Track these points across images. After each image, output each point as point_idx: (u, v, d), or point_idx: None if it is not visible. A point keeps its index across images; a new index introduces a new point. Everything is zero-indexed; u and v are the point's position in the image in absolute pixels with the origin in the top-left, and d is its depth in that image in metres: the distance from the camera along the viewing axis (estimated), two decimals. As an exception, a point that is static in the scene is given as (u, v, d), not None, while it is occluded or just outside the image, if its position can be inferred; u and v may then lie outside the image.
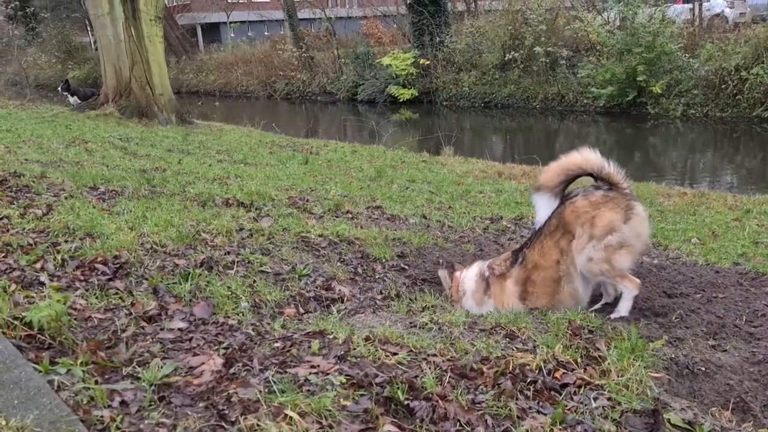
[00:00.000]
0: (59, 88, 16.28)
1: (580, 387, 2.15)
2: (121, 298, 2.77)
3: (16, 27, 41.79)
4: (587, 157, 3.37)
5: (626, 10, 17.83)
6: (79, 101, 15.24)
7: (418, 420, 1.90)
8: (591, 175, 3.34)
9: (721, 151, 15.19)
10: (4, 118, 11.29)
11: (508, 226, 5.50)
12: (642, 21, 17.16)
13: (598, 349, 2.47)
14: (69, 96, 15.76)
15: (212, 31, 40.52)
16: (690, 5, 20.93)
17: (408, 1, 22.43)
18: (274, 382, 2.02)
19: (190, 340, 2.43)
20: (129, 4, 12.65)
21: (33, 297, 2.58)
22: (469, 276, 3.46)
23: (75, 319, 2.45)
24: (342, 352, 2.27)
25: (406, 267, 3.98)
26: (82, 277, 2.91)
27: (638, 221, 3.13)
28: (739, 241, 5.38)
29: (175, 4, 40.75)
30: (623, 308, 3.21)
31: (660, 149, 15.37)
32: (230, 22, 37.88)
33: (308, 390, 1.99)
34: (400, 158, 10.24)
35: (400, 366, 2.21)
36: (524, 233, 5.31)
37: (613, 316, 3.16)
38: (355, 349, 2.32)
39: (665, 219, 6.34)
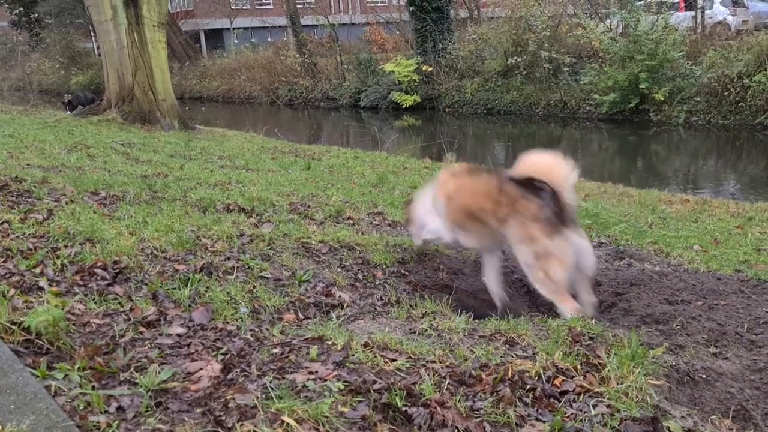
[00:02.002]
0: (64, 101, 16.23)
1: (579, 394, 2.14)
2: (120, 303, 2.76)
3: (20, 33, 42.02)
4: None
5: (629, 18, 17.86)
6: (82, 107, 15.26)
7: (416, 427, 1.89)
8: None
9: (724, 158, 15.17)
10: (8, 123, 11.33)
11: (510, 232, 5.48)
12: (644, 28, 17.18)
13: (598, 356, 2.45)
14: (69, 110, 15.68)
15: (215, 37, 40.69)
16: (692, 13, 20.96)
17: (411, 8, 22.49)
18: (272, 388, 2.01)
19: (189, 345, 2.42)
20: (132, 10, 12.71)
21: (32, 302, 2.58)
22: (421, 202, 3.86)
23: (73, 324, 2.45)
24: (340, 359, 2.26)
25: (407, 273, 3.97)
26: (81, 282, 2.91)
27: None
28: (741, 248, 5.36)
29: (178, 10, 40.96)
30: None
31: (662, 156, 15.36)
32: (233, 28, 38.02)
33: (306, 396, 1.99)
34: (402, 164, 10.25)
35: (398, 372, 2.20)
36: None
37: None
38: (353, 355, 2.31)
39: (667, 226, 6.32)
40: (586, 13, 20.89)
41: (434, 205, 3.65)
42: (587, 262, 3.18)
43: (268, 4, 42.36)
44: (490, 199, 3.25)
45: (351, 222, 5.14)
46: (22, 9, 38.33)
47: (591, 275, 3.27)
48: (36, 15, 38.07)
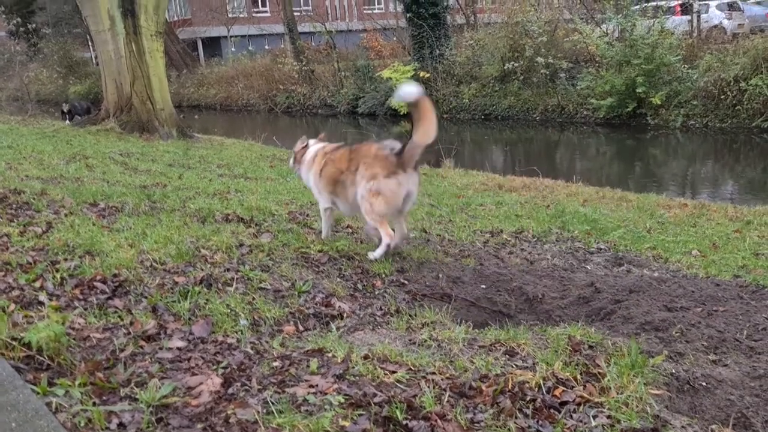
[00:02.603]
0: (63, 110, 16.20)
1: (579, 405, 2.14)
2: (120, 316, 2.77)
3: (18, 43, 42.06)
4: None
5: (625, 22, 17.93)
6: (80, 117, 15.25)
7: (416, 440, 1.89)
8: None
9: (721, 161, 15.20)
10: (6, 134, 11.34)
11: (509, 239, 5.49)
12: (641, 33, 17.25)
13: (598, 366, 2.46)
14: (68, 119, 15.62)
15: (213, 45, 40.79)
16: (688, 17, 21.05)
17: (408, 15, 22.57)
18: (273, 403, 2.02)
19: (189, 359, 2.43)
20: (130, 19, 12.75)
21: (32, 317, 2.58)
22: (310, 152, 4.39)
23: (73, 338, 2.45)
24: (341, 371, 2.27)
25: (406, 282, 3.97)
26: (81, 296, 2.91)
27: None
28: (739, 252, 5.38)
29: (175, 18, 41.06)
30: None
31: (660, 160, 15.38)
32: (231, 36, 38.12)
33: (307, 410, 1.99)
34: (400, 171, 10.24)
35: (398, 385, 2.20)
36: (525, 246, 5.31)
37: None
38: (353, 367, 2.31)
39: (666, 231, 6.33)
40: (583, 18, 20.98)
41: (314, 175, 4.31)
42: (408, 205, 4.05)
43: (265, 11, 42.47)
44: (345, 160, 4.06)
45: (350, 230, 5.15)
46: (19, 19, 38.40)
47: (406, 213, 4.24)
48: (34, 25, 38.18)
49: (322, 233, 4.53)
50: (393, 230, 4.13)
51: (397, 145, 3.88)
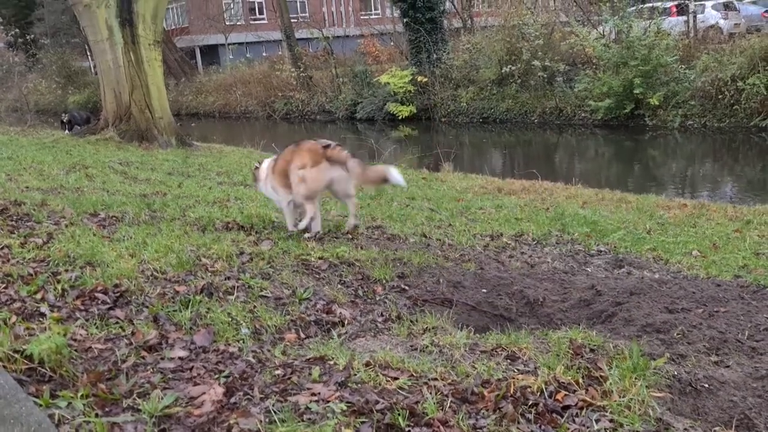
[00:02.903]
0: (62, 119, 16.19)
1: (581, 409, 2.14)
2: (121, 327, 2.77)
3: (17, 54, 42.19)
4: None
5: (621, 24, 18.00)
6: (78, 127, 15.25)
7: (419, 447, 1.89)
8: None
9: (720, 161, 15.23)
10: (5, 144, 11.36)
11: (509, 242, 5.50)
12: (637, 34, 17.30)
13: (600, 369, 2.46)
14: (67, 129, 15.58)
15: (211, 52, 40.90)
16: (684, 17, 21.10)
17: (405, 20, 22.64)
18: (275, 411, 2.02)
19: (191, 369, 2.42)
20: (128, 29, 12.79)
21: (33, 329, 2.58)
22: (262, 168, 5.04)
23: (75, 350, 2.45)
24: (342, 379, 2.27)
25: (407, 287, 3.97)
26: (82, 307, 2.91)
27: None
28: (740, 252, 5.38)
29: (173, 27, 41.19)
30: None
31: (659, 161, 15.41)
32: (228, 44, 38.23)
33: (309, 419, 1.99)
34: (399, 176, 10.26)
35: (400, 391, 2.20)
36: (525, 250, 5.32)
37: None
38: (355, 374, 2.31)
39: (666, 232, 6.34)
40: (579, 21, 21.04)
41: (270, 178, 4.96)
42: (342, 188, 4.80)
43: (263, 18, 42.59)
44: (290, 154, 4.76)
45: (350, 237, 5.15)
46: (18, 30, 38.51)
47: (352, 197, 4.97)
48: (32, 36, 38.30)
49: (288, 226, 5.03)
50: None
51: (330, 142, 4.71)
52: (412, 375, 2.34)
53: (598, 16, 21.70)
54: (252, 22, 42.14)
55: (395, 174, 4.60)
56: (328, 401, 2.08)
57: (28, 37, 38.68)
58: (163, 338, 2.70)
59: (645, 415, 2.11)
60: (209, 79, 33.25)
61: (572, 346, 2.69)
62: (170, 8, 37.81)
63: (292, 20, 30.53)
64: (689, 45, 18.86)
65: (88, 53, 32.88)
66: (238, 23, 40.41)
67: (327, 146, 4.63)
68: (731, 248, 5.56)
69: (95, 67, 20.46)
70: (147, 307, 3.01)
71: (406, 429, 1.94)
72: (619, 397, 2.20)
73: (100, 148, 11.77)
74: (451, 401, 2.14)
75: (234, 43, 38.77)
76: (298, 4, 42.07)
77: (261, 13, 43.06)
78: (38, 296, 2.96)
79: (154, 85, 13.19)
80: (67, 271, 3.32)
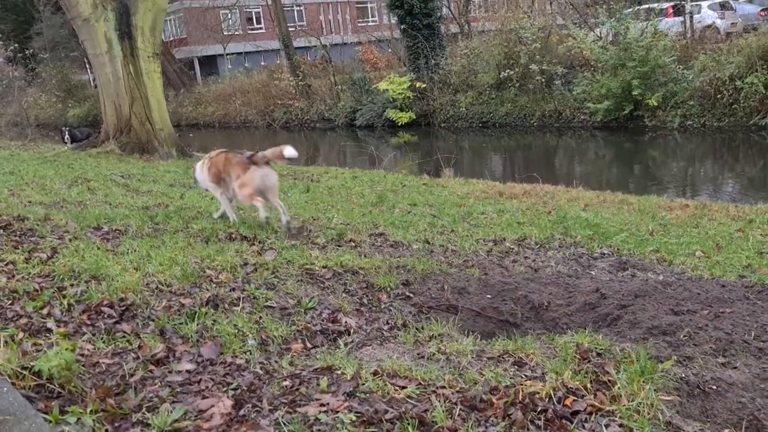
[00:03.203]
0: (64, 133, 16.18)
1: (591, 414, 2.14)
2: (128, 341, 2.77)
3: (16, 68, 42.33)
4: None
5: (618, 26, 18.03)
6: (75, 142, 15.22)
7: (430, 456, 1.89)
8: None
9: (721, 161, 15.23)
10: (7, 159, 11.40)
11: (512, 247, 5.50)
12: (634, 35, 17.33)
13: (608, 373, 2.46)
14: (70, 142, 15.58)
15: (209, 63, 41.04)
16: (681, 18, 21.15)
17: (402, 26, 22.69)
18: (285, 423, 2.02)
19: (199, 382, 2.43)
20: (127, 42, 12.85)
21: (41, 344, 2.59)
22: (197, 172, 5.92)
23: (83, 365, 2.45)
24: (351, 388, 2.27)
25: (412, 295, 3.98)
26: (88, 322, 2.92)
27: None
28: (743, 252, 5.38)
29: (172, 38, 41.33)
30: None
31: (659, 161, 15.41)
32: (227, 54, 38.35)
33: (319, 429, 1.99)
34: (400, 182, 10.29)
35: (409, 400, 2.20)
36: (528, 254, 5.32)
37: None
38: (363, 384, 2.31)
39: (668, 233, 6.33)
40: (576, 23, 21.08)
41: (205, 174, 5.78)
42: (269, 184, 5.45)
43: (260, 28, 42.76)
44: (222, 163, 5.59)
45: (353, 245, 5.15)
46: (17, 45, 38.64)
47: (276, 192, 5.59)
48: (31, 50, 38.37)
49: (217, 214, 5.97)
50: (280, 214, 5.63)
51: (248, 153, 5.57)
52: (420, 383, 2.34)
53: (594, 18, 21.74)
54: (250, 31, 42.31)
55: (288, 150, 5.35)
56: (338, 412, 2.09)
57: (27, 52, 38.75)
58: (170, 351, 2.70)
59: (654, 419, 2.11)
60: (208, 90, 33.33)
61: (579, 350, 2.69)
62: (168, 20, 37.95)
63: (290, 29, 30.62)
64: (686, 45, 18.88)
65: (88, 67, 33.01)
66: (236, 33, 40.55)
67: (249, 156, 5.54)
68: (734, 248, 5.56)
69: (95, 81, 20.54)
70: (153, 320, 3.01)
71: (416, 438, 1.94)
72: (628, 401, 2.20)
73: (102, 161, 11.80)
74: (460, 409, 2.14)
75: (232, 53, 38.89)
76: (296, 12, 42.24)
77: (259, 22, 43.23)
78: (44, 311, 2.97)
79: (153, 97, 13.25)
80: (72, 285, 3.33)
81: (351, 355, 2.83)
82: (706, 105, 16.70)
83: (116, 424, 2.06)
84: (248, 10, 42.77)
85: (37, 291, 3.22)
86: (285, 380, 2.43)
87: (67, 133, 15.94)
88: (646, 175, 14.22)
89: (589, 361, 2.59)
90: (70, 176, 9.06)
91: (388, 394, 2.24)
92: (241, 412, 2.14)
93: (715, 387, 2.50)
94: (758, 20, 22.50)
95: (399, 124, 22.48)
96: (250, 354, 2.77)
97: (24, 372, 2.26)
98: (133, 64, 12.94)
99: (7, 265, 3.65)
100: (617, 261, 5.10)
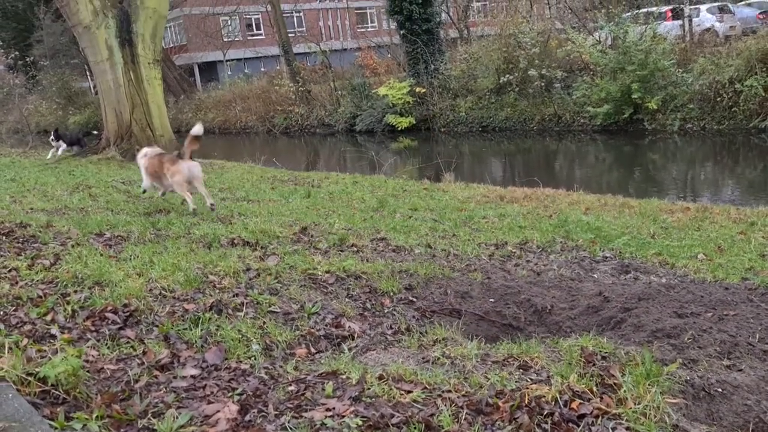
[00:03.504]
0: (51, 139, 15.88)
1: (597, 417, 2.13)
2: (132, 347, 2.77)
3: (17, 76, 42.42)
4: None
5: (617, 30, 18.06)
6: (71, 147, 15.01)
7: (436, 460, 1.88)
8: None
9: (721, 163, 15.23)
10: (8, 167, 11.41)
11: (514, 251, 5.50)
12: (633, 39, 17.36)
13: (613, 376, 2.46)
14: (59, 146, 15.27)
15: (209, 69, 41.12)
16: (680, 21, 21.20)
17: (401, 32, 22.74)
18: (291, 428, 2.01)
19: (204, 387, 2.42)
20: (128, 49, 12.88)
21: (45, 351, 2.59)
22: (140, 164, 6.88)
23: (88, 371, 2.45)
24: (356, 393, 2.26)
25: (414, 299, 3.98)
26: (92, 328, 2.92)
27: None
28: (745, 254, 5.38)
29: (172, 45, 41.42)
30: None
31: (659, 164, 15.42)
32: (227, 60, 38.44)
33: (325, 434, 1.98)
34: (401, 187, 10.29)
35: (415, 404, 2.20)
36: (530, 258, 5.32)
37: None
38: (369, 388, 2.31)
39: (670, 236, 6.33)
40: (574, 28, 21.12)
41: (144, 171, 6.82)
42: (195, 173, 6.42)
43: (260, 34, 42.87)
44: (158, 162, 6.57)
45: (355, 249, 5.15)
46: (17, 53, 38.76)
47: (200, 180, 6.57)
48: (32, 58, 38.47)
49: (142, 188, 7.14)
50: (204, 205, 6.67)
51: (177, 152, 6.56)
52: (426, 387, 2.34)
53: (593, 22, 21.80)
54: (249, 38, 42.41)
55: (194, 129, 6.33)
56: (343, 416, 2.08)
57: (27, 59, 38.87)
58: (174, 357, 2.70)
59: (661, 422, 2.10)
60: (208, 96, 33.38)
61: (584, 353, 2.69)
62: (168, 27, 38.02)
63: (290, 35, 30.70)
64: (685, 49, 18.91)
65: (88, 74, 33.10)
66: (236, 40, 40.66)
67: (177, 154, 6.54)
68: (737, 251, 5.56)
69: (95, 88, 20.57)
70: (157, 326, 3.01)
71: (423, 442, 1.93)
72: (634, 404, 2.20)
73: (103, 167, 11.81)
74: (466, 413, 2.14)
75: (232, 60, 38.99)
76: (295, 18, 42.35)
77: (258, 29, 43.34)
78: (48, 318, 2.97)
79: (154, 104, 13.27)
80: (75, 291, 3.33)
81: (355, 359, 2.83)
82: (705, 108, 16.71)
83: (122, 430, 2.06)
84: (248, 16, 42.87)
85: (41, 297, 3.23)
86: (290, 385, 2.43)
87: (53, 134, 15.68)
88: (647, 178, 14.22)
89: (594, 365, 2.59)
90: (72, 183, 9.07)
91: (393, 398, 2.24)
92: (247, 418, 2.14)
93: (720, 390, 2.50)
94: (757, 23, 22.54)
95: (399, 129, 22.50)
96: (255, 359, 2.76)
97: (29, 378, 2.26)
98: (134, 71, 12.96)
99: (10, 271, 3.66)
100: (619, 264, 5.09)
